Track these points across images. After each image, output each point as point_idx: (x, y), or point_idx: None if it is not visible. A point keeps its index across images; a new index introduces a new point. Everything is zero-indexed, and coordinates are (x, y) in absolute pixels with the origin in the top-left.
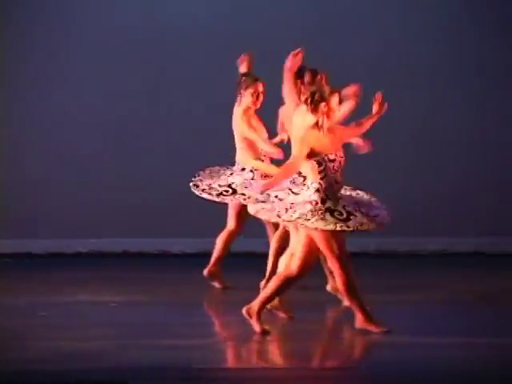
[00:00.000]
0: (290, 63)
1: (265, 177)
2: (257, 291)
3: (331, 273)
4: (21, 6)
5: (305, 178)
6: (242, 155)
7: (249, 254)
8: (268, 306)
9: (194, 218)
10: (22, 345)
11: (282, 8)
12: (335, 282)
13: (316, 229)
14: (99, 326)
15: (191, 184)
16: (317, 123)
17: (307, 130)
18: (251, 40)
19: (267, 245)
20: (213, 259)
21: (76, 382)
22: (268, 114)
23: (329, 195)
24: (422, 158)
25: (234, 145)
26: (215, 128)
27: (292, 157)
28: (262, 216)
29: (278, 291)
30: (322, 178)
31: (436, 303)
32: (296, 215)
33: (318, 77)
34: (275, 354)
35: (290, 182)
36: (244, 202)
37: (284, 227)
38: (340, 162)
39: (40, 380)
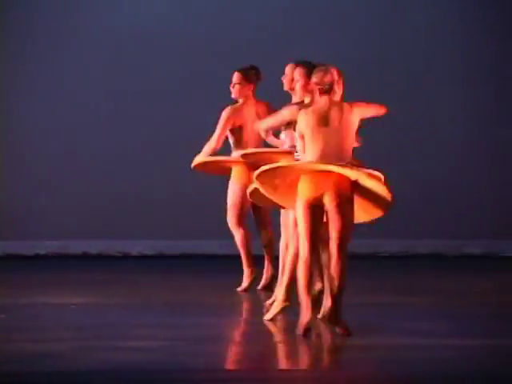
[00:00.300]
0: None
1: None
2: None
3: (322, 275)
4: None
5: None
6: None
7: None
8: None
9: (153, 219)
10: None
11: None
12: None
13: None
14: (59, 328)
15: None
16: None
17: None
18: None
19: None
20: (245, 261)
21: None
22: None
23: None
24: (380, 159)
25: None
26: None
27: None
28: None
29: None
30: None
31: (401, 304)
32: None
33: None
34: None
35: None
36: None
37: None
38: None
39: None
